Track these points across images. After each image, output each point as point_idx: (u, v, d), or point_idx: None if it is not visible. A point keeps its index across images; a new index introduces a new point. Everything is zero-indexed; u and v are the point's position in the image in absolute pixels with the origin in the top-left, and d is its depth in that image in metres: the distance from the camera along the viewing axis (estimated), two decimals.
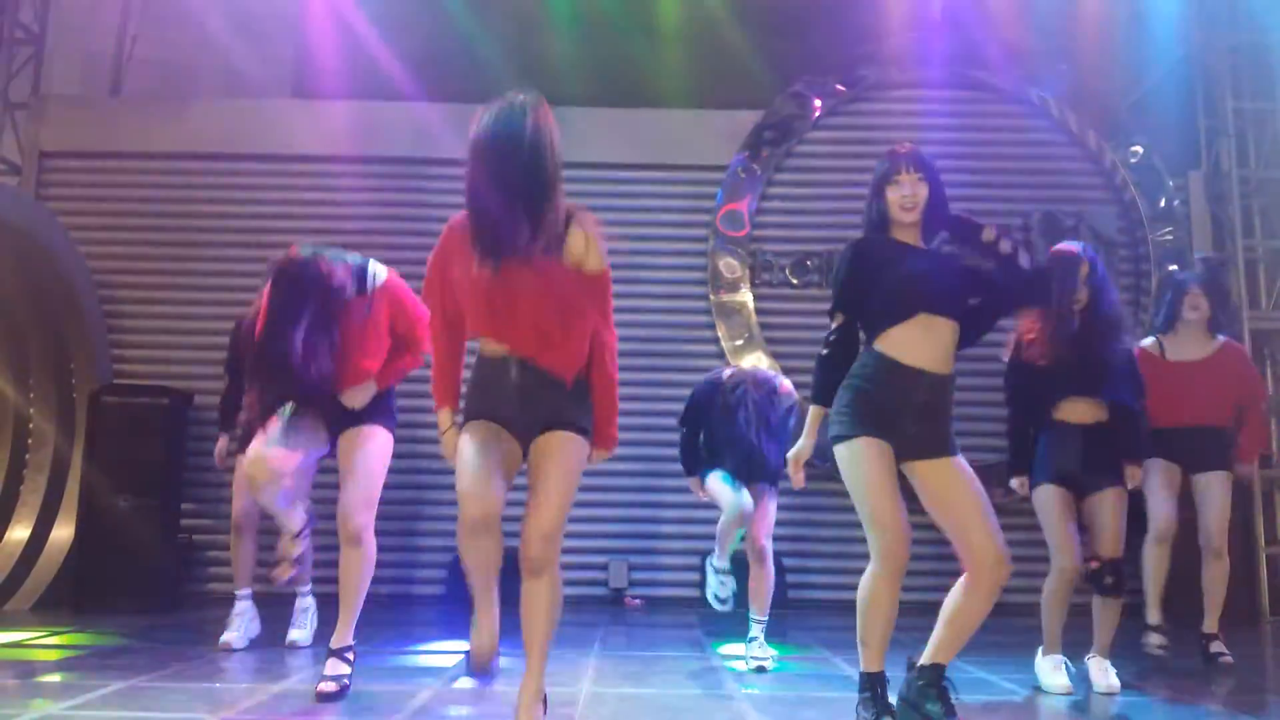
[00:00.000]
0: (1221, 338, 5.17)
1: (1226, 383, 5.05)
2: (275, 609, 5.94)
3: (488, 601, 2.99)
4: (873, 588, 3.07)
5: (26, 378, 6.91)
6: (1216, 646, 4.92)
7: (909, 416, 3.09)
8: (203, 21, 7.80)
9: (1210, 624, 4.97)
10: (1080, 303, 4.20)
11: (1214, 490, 4.96)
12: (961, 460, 3.13)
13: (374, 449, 3.82)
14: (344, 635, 3.77)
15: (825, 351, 3.26)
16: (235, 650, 4.73)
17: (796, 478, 3.32)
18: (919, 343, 3.11)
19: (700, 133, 8.00)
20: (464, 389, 3.09)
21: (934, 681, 3.10)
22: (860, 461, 3.08)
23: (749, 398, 4.77)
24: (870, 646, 3.10)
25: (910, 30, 7.94)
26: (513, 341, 2.90)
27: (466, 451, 2.86)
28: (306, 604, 4.95)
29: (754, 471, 4.74)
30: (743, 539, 4.71)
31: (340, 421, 3.84)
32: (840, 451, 3.14)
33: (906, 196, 3.23)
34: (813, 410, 3.26)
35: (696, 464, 4.90)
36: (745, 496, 4.65)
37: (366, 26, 7.72)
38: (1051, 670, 4.22)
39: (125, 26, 8.30)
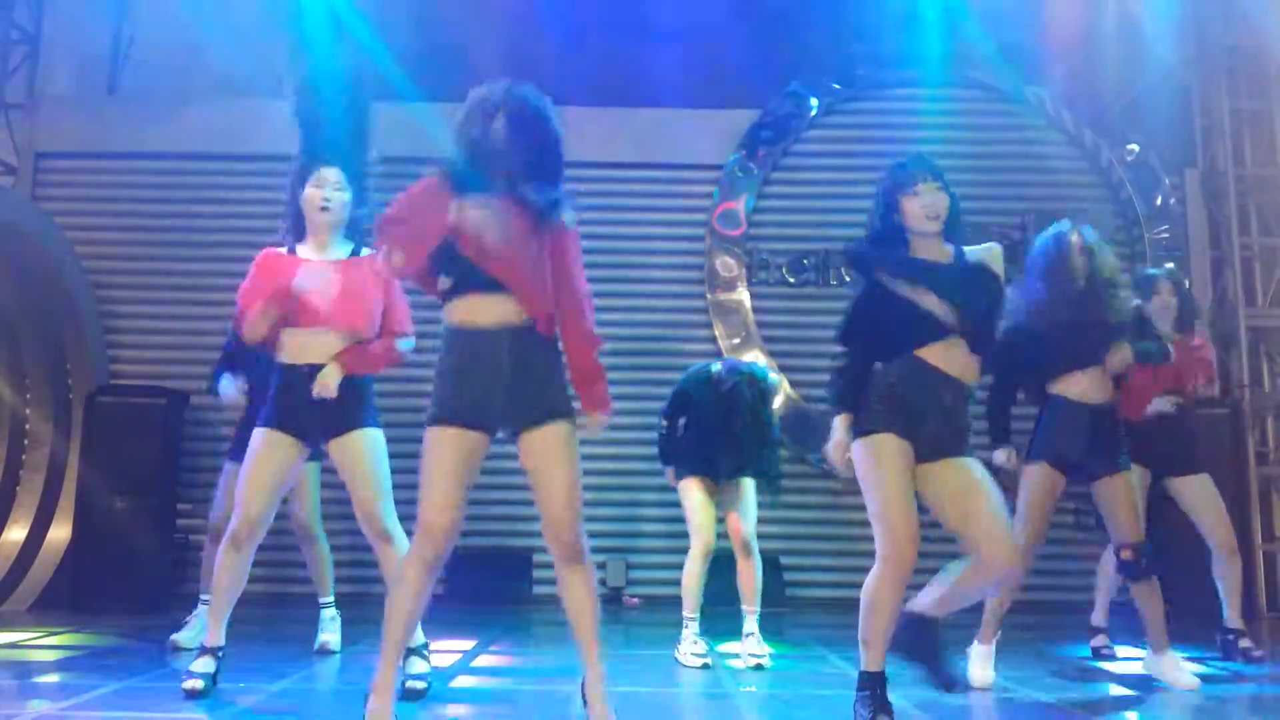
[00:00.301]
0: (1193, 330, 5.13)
1: (1187, 356, 4.95)
2: (274, 609, 5.95)
3: (397, 656, 2.91)
4: (877, 589, 3.06)
5: (23, 378, 6.90)
6: (1245, 642, 4.83)
7: (934, 417, 3.07)
8: (198, 22, 7.78)
9: (1234, 617, 4.87)
10: (1081, 270, 4.16)
11: (1200, 492, 4.82)
12: (976, 460, 3.12)
13: (373, 449, 3.79)
14: (418, 632, 3.72)
15: (841, 365, 3.24)
16: (182, 650, 4.62)
17: (842, 465, 3.23)
18: (945, 355, 3.09)
19: (697, 132, 8.01)
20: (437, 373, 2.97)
21: (930, 631, 3.08)
22: (879, 458, 3.06)
23: (744, 395, 4.73)
24: (872, 646, 3.09)
25: (907, 29, 7.95)
26: (498, 269, 2.80)
27: (439, 472, 2.82)
28: (332, 613, 4.90)
29: (741, 467, 4.74)
30: (722, 535, 4.71)
31: (327, 428, 3.76)
32: (859, 446, 3.12)
33: (929, 206, 3.16)
34: (840, 418, 3.21)
35: (671, 457, 4.89)
36: (712, 534, 4.67)
37: (362, 26, 7.70)
38: (980, 662, 4.13)
39: (121, 27, 8.29)
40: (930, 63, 7.92)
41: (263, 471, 3.66)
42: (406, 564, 2.87)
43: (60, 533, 6.72)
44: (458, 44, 7.55)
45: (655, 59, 7.88)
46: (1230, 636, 4.89)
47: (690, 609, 4.68)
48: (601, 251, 7.59)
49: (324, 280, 3.73)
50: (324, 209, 3.85)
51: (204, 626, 4.71)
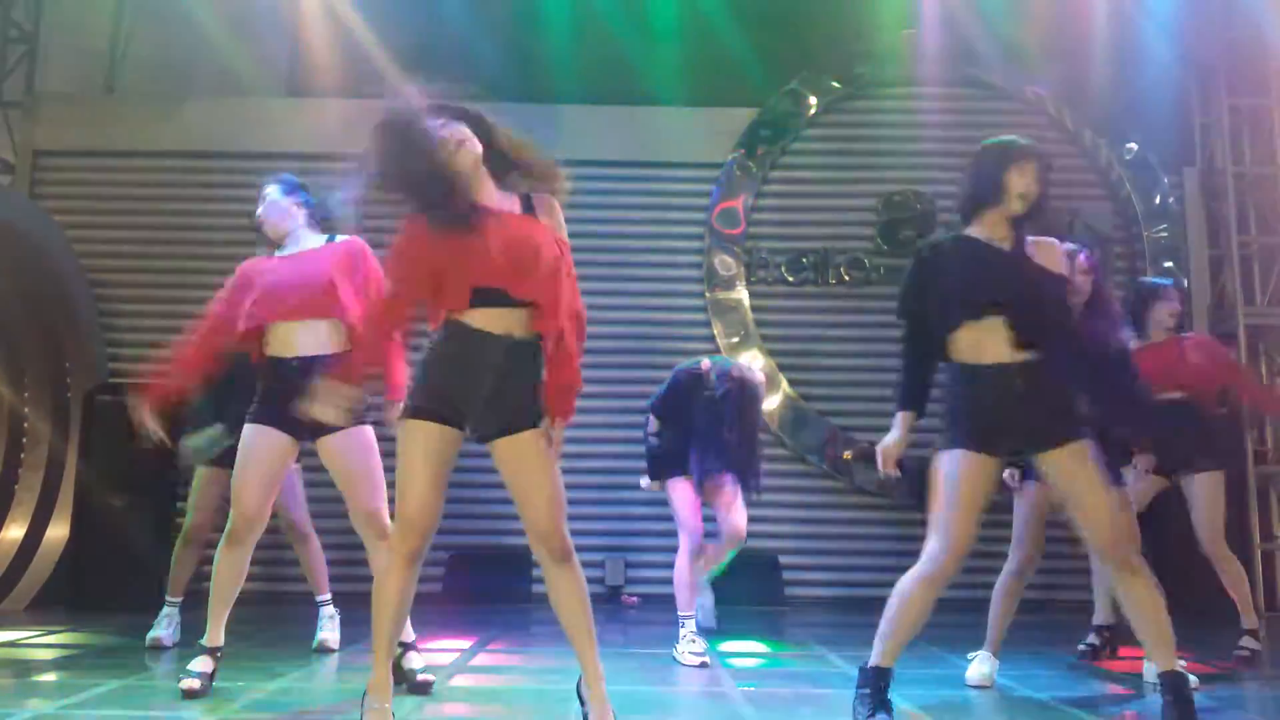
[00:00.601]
0: (1188, 334, 5.11)
1: (1195, 356, 4.94)
2: (271, 607, 5.95)
3: (390, 653, 2.88)
4: (912, 587, 3.07)
5: (21, 376, 6.89)
6: (1244, 640, 4.88)
7: (1012, 412, 3.06)
8: (197, 19, 7.77)
9: (1247, 619, 4.92)
10: (1082, 295, 4.15)
11: (1197, 494, 4.85)
12: (1083, 445, 3.08)
13: (366, 447, 3.74)
14: (408, 630, 3.72)
15: (901, 358, 3.27)
16: (165, 648, 4.69)
17: (888, 469, 3.27)
18: (993, 339, 3.09)
19: (696, 130, 8.00)
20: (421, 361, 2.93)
21: (1173, 687, 3.03)
22: (953, 473, 3.09)
23: (737, 402, 4.73)
24: (889, 643, 3.10)
25: (906, 28, 7.94)
26: (528, 290, 2.77)
27: (418, 467, 2.78)
28: (330, 611, 4.92)
29: (725, 465, 4.75)
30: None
31: (318, 424, 3.70)
32: (940, 458, 3.15)
33: (1026, 185, 3.21)
34: (900, 416, 3.26)
35: (661, 467, 4.87)
36: (701, 531, 4.73)
37: (360, 24, 7.70)
38: (978, 665, 4.15)
39: (120, 25, 8.28)
40: (930, 61, 7.91)
41: (257, 468, 3.66)
42: (390, 561, 2.84)
43: (59, 531, 6.71)
44: (456, 42, 7.55)
45: (654, 57, 7.88)
46: (1240, 635, 4.93)
47: (685, 607, 4.68)
48: (600, 250, 7.59)
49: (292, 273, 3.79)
50: (260, 220, 3.98)
51: (176, 625, 4.77)
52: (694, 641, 4.60)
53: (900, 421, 3.27)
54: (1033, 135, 8.06)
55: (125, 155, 7.88)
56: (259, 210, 3.99)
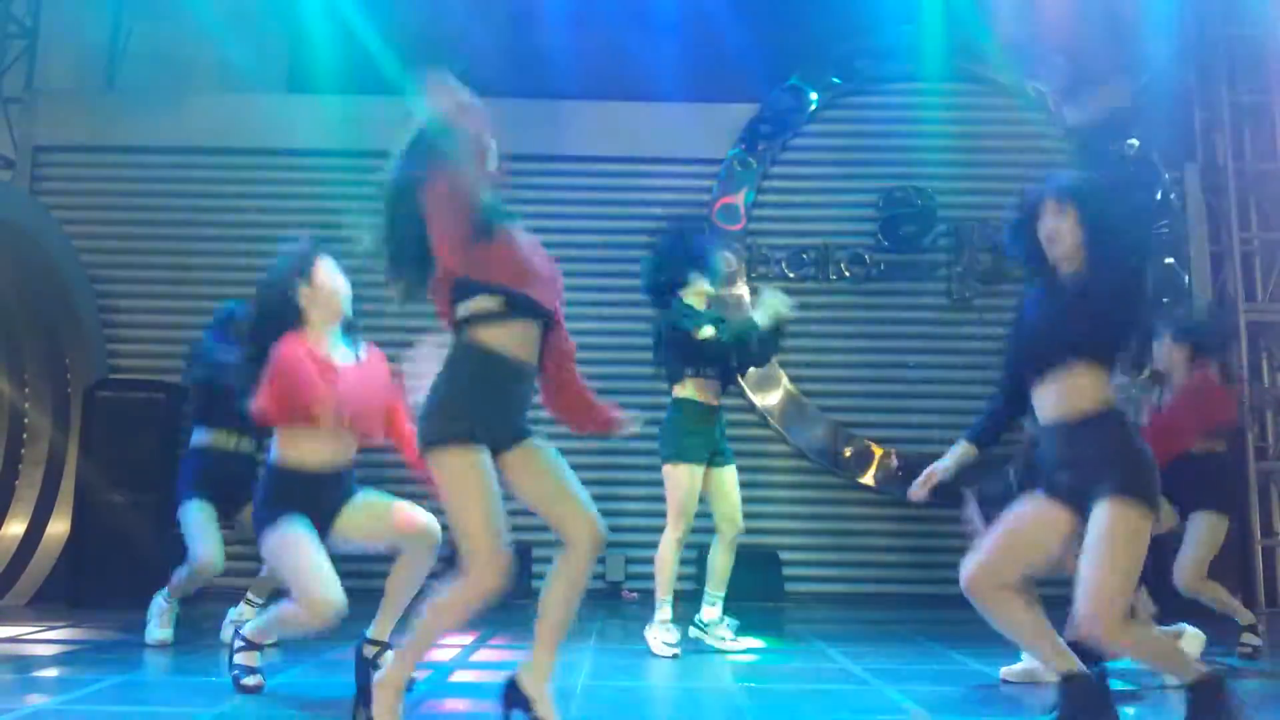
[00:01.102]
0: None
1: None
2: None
3: (415, 663, 2.87)
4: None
5: (22, 373, 6.90)
6: (1246, 636, 4.89)
7: (1062, 472, 2.92)
8: (197, 15, 7.77)
9: (1243, 616, 4.94)
10: None
11: (1194, 531, 4.75)
12: (1113, 507, 2.78)
13: (383, 511, 3.71)
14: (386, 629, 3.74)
15: (990, 402, 3.23)
16: (166, 644, 4.68)
17: (919, 491, 3.21)
18: (1049, 398, 2.94)
19: (696, 126, 8.00)
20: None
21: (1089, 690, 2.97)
22: (1019, 507, 2.99)
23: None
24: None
25: (906, 23, 7.94)
26: (546, 297, 2.75)
27: (489, 496, 2.68)
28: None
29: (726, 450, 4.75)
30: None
31: (333, 513, 3.65)
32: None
33: (1045, 229, 3.03)
34: (960, 445, 3.20)
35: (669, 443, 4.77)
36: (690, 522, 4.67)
37: (360, 20, 7.69)
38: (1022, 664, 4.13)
39: (120, 20, 8.27)
40: (930, 57, 7.91)
41: (317, 557, 3.52)
42: (468, 594, 2.75)
43: (59, 527, 6.72)
44: (455, 37, 7.54)
45: (654, 52, 7.88)
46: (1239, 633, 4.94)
47: (664, 591, 4.64)
48: (599, 246, 7.57)
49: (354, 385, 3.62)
50: (337, 294, 3.69)
51: (175, 617, 4.75)
52: (670, 631, 4.57)
53: (957, 451, 3.18)
54: (1034, 131, 8.17)
55: (125, 151, 7.87)
56: (322, 277, 3.65)
